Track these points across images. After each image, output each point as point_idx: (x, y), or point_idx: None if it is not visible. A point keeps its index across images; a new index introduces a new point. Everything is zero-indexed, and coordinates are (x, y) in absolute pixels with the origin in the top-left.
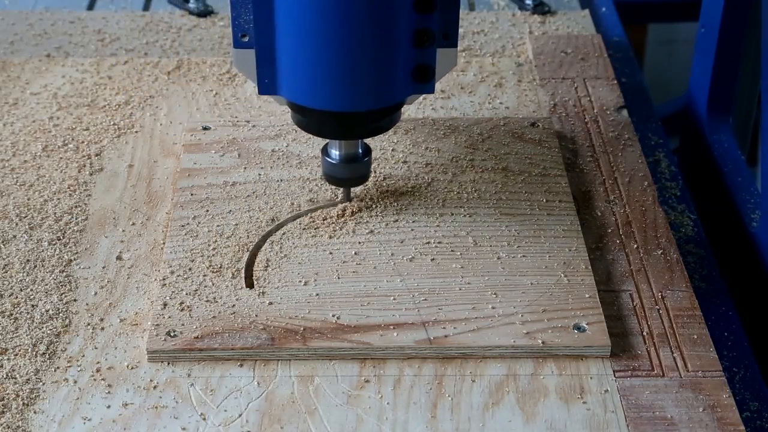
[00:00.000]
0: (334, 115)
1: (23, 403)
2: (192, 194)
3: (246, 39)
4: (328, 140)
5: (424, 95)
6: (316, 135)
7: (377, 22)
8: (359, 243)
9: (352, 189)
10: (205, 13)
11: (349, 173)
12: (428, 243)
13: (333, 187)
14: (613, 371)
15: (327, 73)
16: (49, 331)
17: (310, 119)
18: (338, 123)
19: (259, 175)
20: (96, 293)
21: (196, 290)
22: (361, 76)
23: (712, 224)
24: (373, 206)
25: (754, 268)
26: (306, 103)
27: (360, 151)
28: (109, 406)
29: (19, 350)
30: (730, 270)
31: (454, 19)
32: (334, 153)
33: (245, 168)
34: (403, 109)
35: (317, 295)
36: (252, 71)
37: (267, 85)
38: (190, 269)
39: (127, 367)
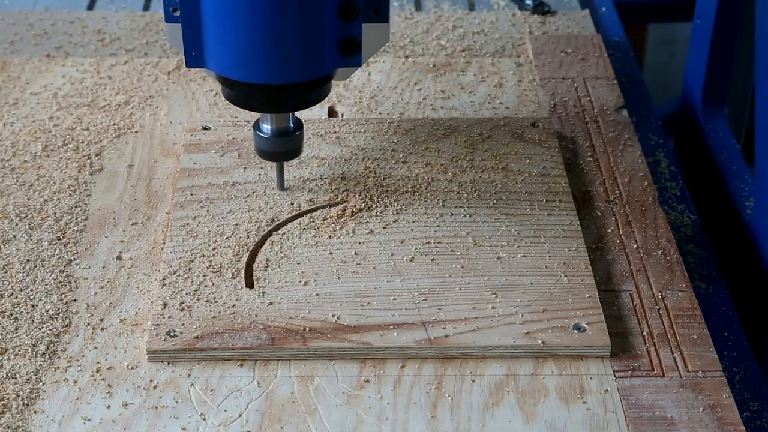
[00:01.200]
0: (260, 88)
1: (23, 403)
2: (192, 194)
3: (177, 13)
4: (259, 114)
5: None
6: (245, 109)
7: None
8: (359, 243)
9: (349, 190)
10: None
11: (281, 147)
12: (428, 243)
13: (333, 186)
14: (613, 371)
15: (252, 44)
16: (49, 331)
17: (238, 93)
18: (265, 96)
19: (259, 175)
20: (96, 293)
21: (196, 290)
22: (286, 48)
23: (708, 212)
24: (373, 206)
25: (749, 254)
26: (232, 75)
27: (291, 124)
28: (109, 406)
29: (19, 350)
30: (726, 257)
31: None
32: (265, 127)
33: (245, 168)
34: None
35: (317, 295)
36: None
37: (194, 58)
38: (190, 269)
39: (127, 367)
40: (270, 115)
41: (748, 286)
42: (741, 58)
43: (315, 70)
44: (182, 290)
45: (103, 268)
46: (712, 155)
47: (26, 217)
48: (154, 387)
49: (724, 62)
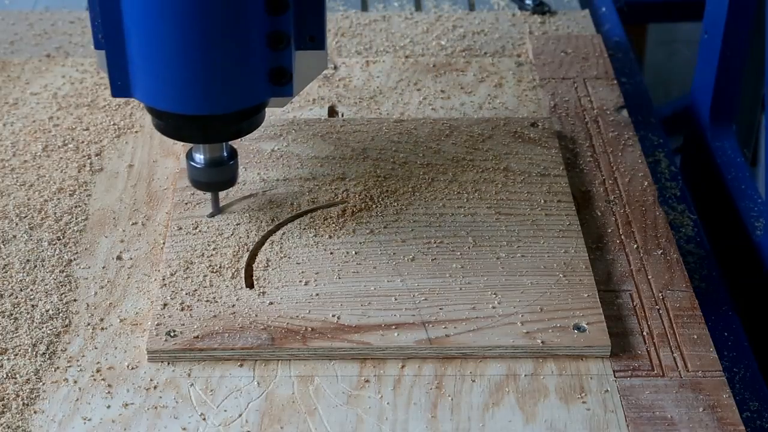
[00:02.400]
0: (188, 119)
1: (23, 403)
2: (192, 194)
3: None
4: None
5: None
6: (176, 139)
7: (228, 24)
8: (359, 243)
9: (349, 190)
10: None
11: (215, 177)
12: (428, 243)
13: (333, 187)
14: (613, 371)
15: (177, 75)
16: (49, 331)
17: (167, 123)
18: (194, 126)
19: (259, 174)
20: (96, 293)
21: (196, 290)
22: (213, 79)
23: (716, 232)
24: (373, 206)
25: (758, 275)
26: (158, 105)
27: (225, 154)
28: (109, 406)
29: (19, 350)
30: (735, 278)
31: (319, 22)
32: (198, 157)
33: (245, 168)
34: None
35: (317, 295)
36: None
37: (120, 87)
38: (190, 269)
39: (127, 367)
40: (202, 145)
41: (759, 306)
42: (749, 72)
43: (244, 101)
44: (182, 290)
45: (103, 268)
46: (720, 174)
47: (26, 217)
48: (154, 387)
49: (732, 78)
